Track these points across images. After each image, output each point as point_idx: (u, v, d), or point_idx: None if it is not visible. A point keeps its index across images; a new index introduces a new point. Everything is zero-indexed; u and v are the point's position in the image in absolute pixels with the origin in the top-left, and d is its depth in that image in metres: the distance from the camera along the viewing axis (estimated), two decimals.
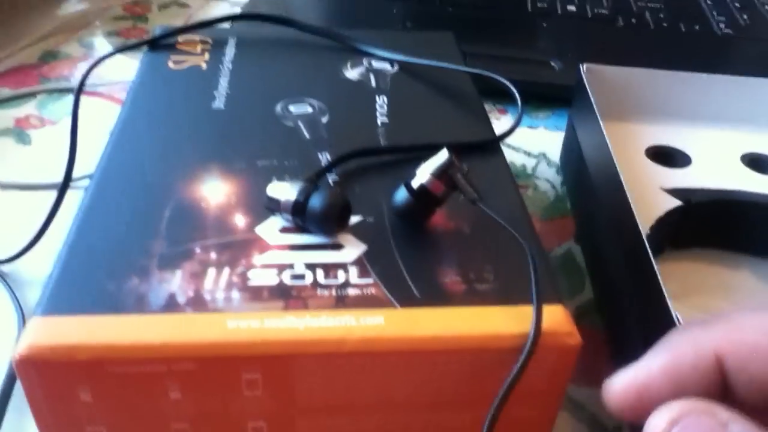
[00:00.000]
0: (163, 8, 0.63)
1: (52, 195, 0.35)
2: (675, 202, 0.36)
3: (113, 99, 0.48)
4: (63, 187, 0.35)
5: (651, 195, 0.37)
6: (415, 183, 0.26)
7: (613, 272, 0.32)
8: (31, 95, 0.48)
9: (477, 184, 0.25)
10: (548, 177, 0.44)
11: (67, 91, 0.49)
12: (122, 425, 0.22)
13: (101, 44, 0.56)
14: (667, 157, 0.40)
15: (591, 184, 0.37)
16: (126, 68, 0.51)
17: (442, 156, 0.25)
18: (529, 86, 0.49)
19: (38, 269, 0.34)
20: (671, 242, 0.37)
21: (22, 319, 0.32)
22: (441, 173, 0.25)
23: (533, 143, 0.46)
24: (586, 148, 0.39)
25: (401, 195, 0.26)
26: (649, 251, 0.28)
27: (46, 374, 0.20)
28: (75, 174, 0.36)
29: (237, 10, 0.62)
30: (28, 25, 0.57)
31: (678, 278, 0.36)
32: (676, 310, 0.25)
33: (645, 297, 0.28)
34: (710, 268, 0.36)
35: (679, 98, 0.43)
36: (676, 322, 0.25)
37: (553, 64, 0.51)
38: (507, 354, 0.21)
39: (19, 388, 0.28)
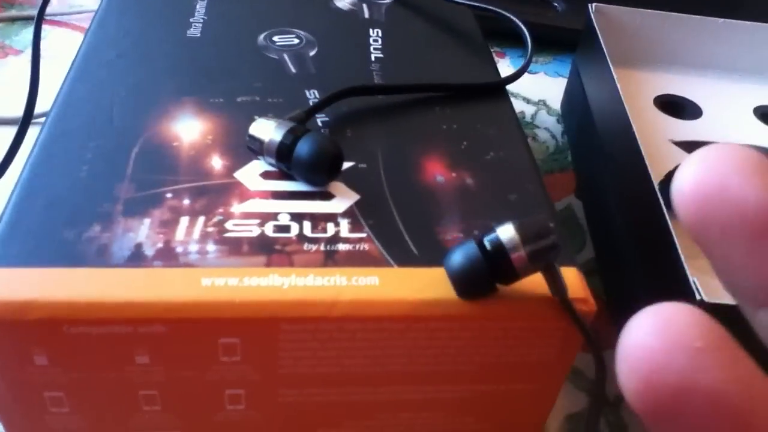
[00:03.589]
0: None
1: (14, 131, 0.32)
2: (684, 155, 0.34)
3: (82, 29, 0.45)
4: (24, 123, 0.32)
5: (659, 147, 0.35)
6: (492, 241, 0.18)
7: (618, 229, 0.30)
8: None
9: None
10: (548, 126, 0.41)
11: (32, 19, 0.45)
12: (83, 391, 0.19)
13: None
14: (676, 107, 0.38)
15: (597, 135, 0.34)
16: None
17: (542, 225, 0.18)
18: (530, 28, 0.45)
19: None
20: None
21: None
22: (534, 244, 0.18)
23: (533, 90, 0.44)
24: (592, 96, 0.36)
25: (466, 249, 0.19)
26: (664, 206, 0.26)
27: None
28: (38, 109, 0.33)
29: None
30: None
31: (685, 237, 0.34)
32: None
33: (654, 256, 0.26)
34: None
35: (692, 45, 0.40)
36: (691, 283, 0.23)
37: (555, 4, 0.47)
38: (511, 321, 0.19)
39: None
